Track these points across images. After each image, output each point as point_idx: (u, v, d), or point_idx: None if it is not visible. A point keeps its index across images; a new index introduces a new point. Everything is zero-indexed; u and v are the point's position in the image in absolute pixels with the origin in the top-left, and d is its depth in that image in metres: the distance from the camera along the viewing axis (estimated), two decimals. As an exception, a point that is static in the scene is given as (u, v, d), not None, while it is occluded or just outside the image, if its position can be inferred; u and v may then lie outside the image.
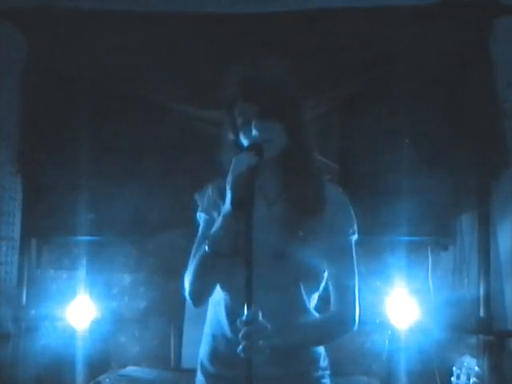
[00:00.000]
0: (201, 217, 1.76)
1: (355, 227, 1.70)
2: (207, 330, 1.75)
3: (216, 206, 1.69)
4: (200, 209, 1.76)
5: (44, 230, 3.11)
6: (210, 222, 1.69)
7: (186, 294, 1.68)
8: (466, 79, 2.93)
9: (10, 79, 3.07)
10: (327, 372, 1.76)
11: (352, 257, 1.69)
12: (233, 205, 1.50)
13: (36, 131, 3.08)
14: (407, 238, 2.93)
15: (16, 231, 3.14)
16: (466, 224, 3.01)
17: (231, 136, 1.66)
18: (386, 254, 3.02)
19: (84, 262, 3.17)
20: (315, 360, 1.72)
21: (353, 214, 1.70)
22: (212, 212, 1.71)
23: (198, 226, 1.77)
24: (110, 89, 3.05)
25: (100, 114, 3.05)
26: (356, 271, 1.69)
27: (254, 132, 1.58)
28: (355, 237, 1.70)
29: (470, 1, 2.89)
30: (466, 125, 2.95)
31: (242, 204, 1.46)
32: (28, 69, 3.05)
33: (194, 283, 1.65)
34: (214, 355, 1.70)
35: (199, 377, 1.75)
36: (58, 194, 3.03)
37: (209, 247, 1.58)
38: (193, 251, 1.71)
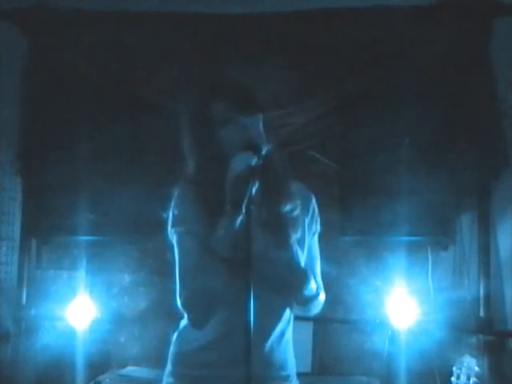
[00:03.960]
0: (172, 232, 1.69)
1: (319, 225, 1.78)
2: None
3: (190, 213, 1.65)
4: (171, 224, 1.70)
5: (44, 229, 3.11)
6: (189, 235, 1.64)
7: (189, 318, 1.63)
8: (466, 79, 2.93)
9: (10, 79, 3.07)
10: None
11: (317, 253, 1.78)
12: (231, 205, 1.50)
13: (36, 131, 3.08)
14: (407, 238, 2.93)
15: (16, 231, 3.14)
16: (466, 224, 3.01)
17: (205, 134, 1.65)
18: (386, 253, 3.02)
19: (84, 262, 3.17)
20: (292, 365, 1.72)
21: (316, 208, 1.78)
22: (187, 223, 1.65)
23: (171, 244, 1.69)
24: (109, 89, 3.05)
25: (100, 114, 3.05)
26: (319, 269, 1.78)
27: (244, 127, 1.59)
28: (319, 230, 1.79)
29: (470, 1, 2.89)
30: (466, 125, 2.94)
31: (240, 204, 1.46)
32: (28, 69, 3.06)
33: (199, 300, 1.60)
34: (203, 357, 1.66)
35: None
36: (58, 194, 3.03)
37: (211, 253, 1.57)
38: (181, 274, 1.63)
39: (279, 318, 1.67)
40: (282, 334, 1.69)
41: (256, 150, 1.54)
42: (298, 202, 1.68)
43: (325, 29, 2.94)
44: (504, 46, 2.89)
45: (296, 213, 1.66)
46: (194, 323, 1.64)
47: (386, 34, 2.88)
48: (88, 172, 3.01)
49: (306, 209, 1.73)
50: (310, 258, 1.75)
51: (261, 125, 1.64)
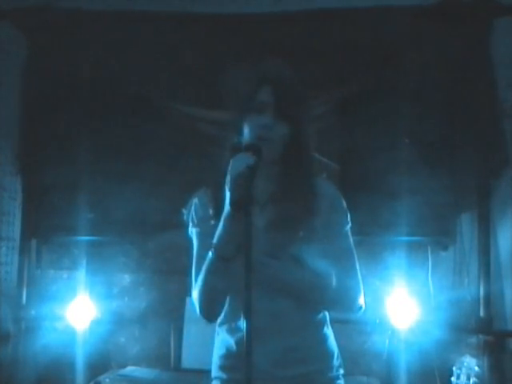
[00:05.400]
0: (193, 232, 1.73)
1: (348, 218, 1.72)
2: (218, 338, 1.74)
3: (207, 216, 1.68)
4: (191, 224, 1.73)
5: (44, 230, 3.11)
6: (204, 235, 1.67)
7: (199, 312, 1.67)
8: (466, 79, 2.93)
9: (10, 79, 3.07)
10: (341, 372, 1.76)
11: (352, 250, 1.71)
12: (232, 206, 1.50)
13: (36, 131, 3.08)
14: (407, 238, 2.94)
15: (16, 231, 3.14)
16: (466, 224, 3.01)
17: (235, 124, 1.66)
18: (386, 253, 3.02)
19: (84, 262, 3.17)
20: (327, 358, 1.71)
21: (345, 206, 1.73)
22: (204, 224, 1.69)
23: (191, 242, 1.73)
24: (109, 89, 3.05)
25: (100, 114, 3.05)
26: (357, 264, 1.70)
27: (262, 125, 1.59)
28: (349, 225, 1.72)
29: (470, 1, 2.89)
30: (466, 125, 2.95)
31: (240, 204, 1.46)
32: (28, 69, 3.06)
33: (205, 297, 1.63)
34: (223, 360, 1.69)
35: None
36: (58, 194, 3.04)
37: (213, 252, 1.58)
38: (194, 269, 1.69)
39: (296, 316, 1.66)
40: (306, 330, 1.67)
41: (256, 150, 1.54)
42: (308, 203, 1.65)
43: (325, 29, 2.95)
44: (504, 46, 2.89)
45: (305, 214, 1.64)
46: (204, 316, 1.68)
47: (386, 34, 2.88)
48: (88, 172, 3.02)
49: (326, 207, 1.68)
50: (339, 252, 1.68)
51: (275, 125, 1.61)
